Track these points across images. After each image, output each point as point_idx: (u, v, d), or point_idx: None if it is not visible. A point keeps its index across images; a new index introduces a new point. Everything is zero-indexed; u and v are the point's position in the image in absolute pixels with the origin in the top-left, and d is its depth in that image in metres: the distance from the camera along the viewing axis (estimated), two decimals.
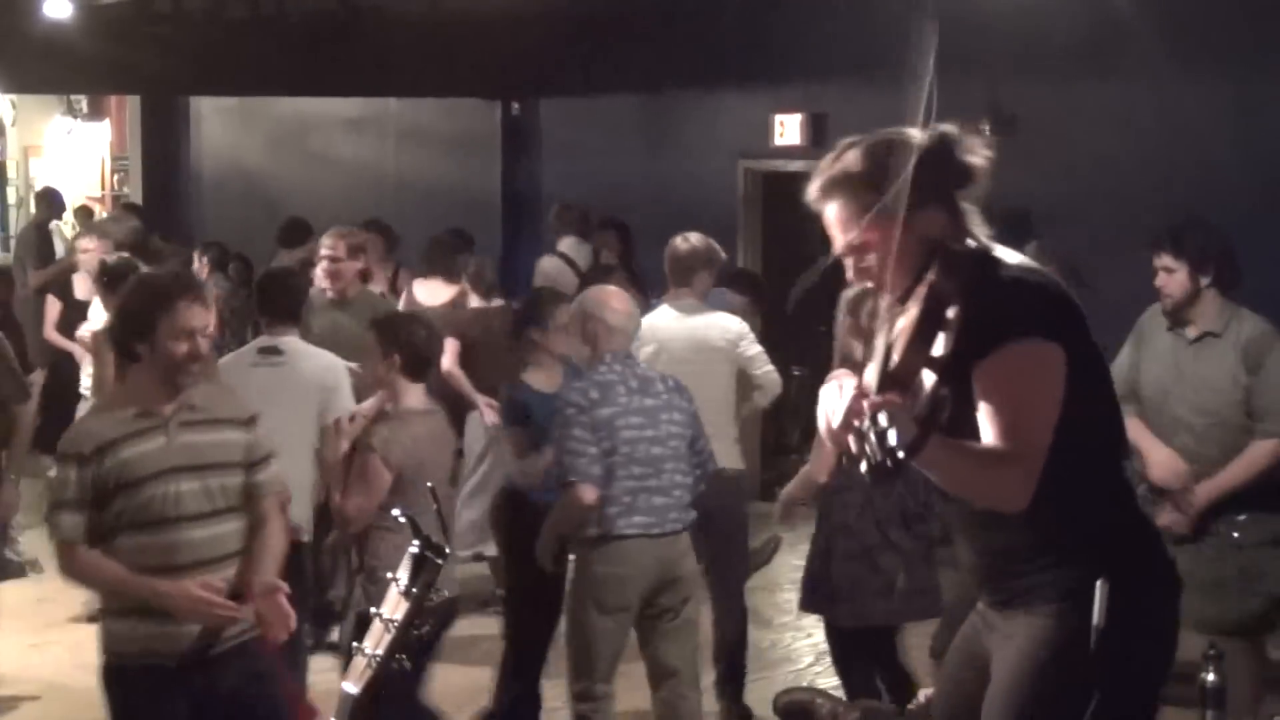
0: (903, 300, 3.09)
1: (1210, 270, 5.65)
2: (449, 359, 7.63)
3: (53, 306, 9.72)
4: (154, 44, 11.15)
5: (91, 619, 7.25)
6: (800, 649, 7.67)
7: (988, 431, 2.98)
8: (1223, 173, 8.15)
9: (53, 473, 6.74)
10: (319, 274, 7.65)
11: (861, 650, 6.28)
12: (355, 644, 2.70)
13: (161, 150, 15.67)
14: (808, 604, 6.01)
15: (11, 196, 18.17)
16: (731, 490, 6.39)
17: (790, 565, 9.10)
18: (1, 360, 6.21)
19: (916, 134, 3.14)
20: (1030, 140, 9.18)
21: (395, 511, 3.04)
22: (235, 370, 5.99)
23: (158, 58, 11.32)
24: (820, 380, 3.07)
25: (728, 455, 6.28)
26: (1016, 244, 3.29)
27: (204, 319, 4.25)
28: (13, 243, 15.60)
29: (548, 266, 10.38)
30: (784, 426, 10.57)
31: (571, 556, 5.52)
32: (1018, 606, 3.15)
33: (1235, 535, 5.65)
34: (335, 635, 6.26)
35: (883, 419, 2.71)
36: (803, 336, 9.83)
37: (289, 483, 4.75)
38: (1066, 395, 2.99)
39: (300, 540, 5.61)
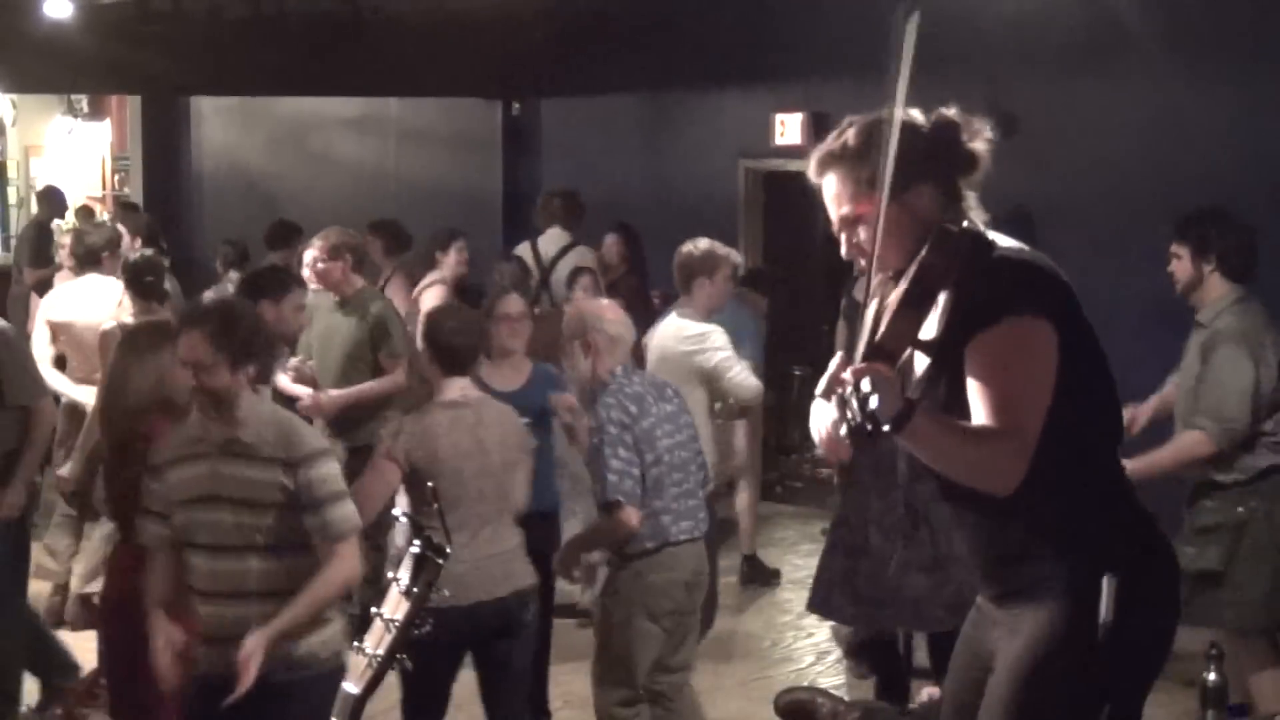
0: (896, 278, 3.07)
1: (1213, 258, 5.81)
2: None
3: (36, 303, 9.76)
4: (155, 44, 11.14)
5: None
6: (801, 649, 7.68)
7: (978, 410, 2.94)
8: (1223, 173, 8.15)
9: (63, 470, 6.75)
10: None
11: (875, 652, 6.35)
12: (356, 643, 2.71)
13: (162, 150, 15.65)
14: (819, 607, 6.04)
15: (12, 196, 18.15)
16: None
17: (791, 564, 9.11)
18: (14, 356, 6.13)
19: (919, 115, 3.16)
20: (1030, 140, 9.17)
21: (395, 510, 3.04)
22: None
23: (158, 58, 11.32)
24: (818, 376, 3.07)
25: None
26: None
27: (194, 353, 4.20)
28: (14, 242, 15.61)
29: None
30: (785, 426, 10.58)
31: (599, 568, 5.53)
32: (1020, 600, 3.13)
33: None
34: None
35: (865, 384, 2.69)
36: (804, 336, 9.84)
37: None
38: (1060, 378, 2.97)
39: None
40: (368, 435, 6.48)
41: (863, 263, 3.18)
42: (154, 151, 15.62)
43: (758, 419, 8.71)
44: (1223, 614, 5.88)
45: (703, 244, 6.72)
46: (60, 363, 7.91)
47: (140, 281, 7.31)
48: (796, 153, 10.52)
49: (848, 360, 2.88)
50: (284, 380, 7.15)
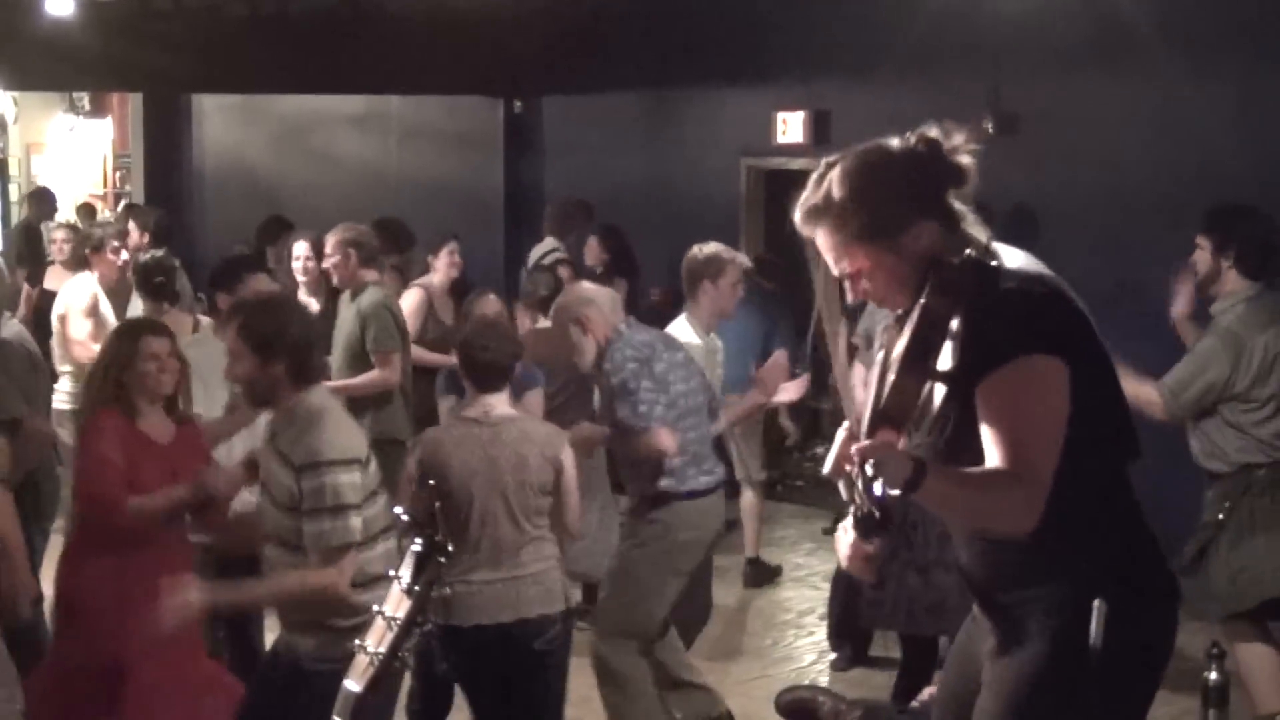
0: (900, 322, 3.02)
1: (1231, 255, 5.92)
2: None
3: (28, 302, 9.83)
4: (156, 41, 11.15)
5: None
6: (802, 647, 7.68)
7: (991, 452, 2.89)
8: (1227, 171, 8.15)
9: None
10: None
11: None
12: (358, 642, 2.71)
13: (164, 147, 15.65)
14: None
15: (14, 194, 18.16)
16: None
17: (792, 564, 9.11)
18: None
19: (896, 144, 3.06)
20: (1033, 139, 9.18)
21: (397, 509, 3.04)
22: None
23: (160, 55, 11.32)
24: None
25: None
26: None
27: (232, 342, 4.42)
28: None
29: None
30: (783, 426, 10.57)
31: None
32: (1015, 620, 3.09)
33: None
34: None
35: (869, 468, 2.64)
36: (802, 333, 9.84)
37: None
38: (1072, 410, 2.91)
39: None
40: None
41: (874, 304, 3.15)
42: (155, 149, 15.61)
43: (755, 421, 8.67)
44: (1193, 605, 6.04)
45: (709, 248, 6.60)
46: None
47: (150, 283, 7.31)
48: (798, 151, 10.56)
49: (852, 434, 2.84)
50: None
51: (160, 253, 7.58)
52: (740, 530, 8.67)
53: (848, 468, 2.71)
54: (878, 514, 2.65)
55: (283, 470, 4.32)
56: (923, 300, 2.89)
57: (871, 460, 2.67)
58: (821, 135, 10.29)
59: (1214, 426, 5.98)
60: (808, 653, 7.55)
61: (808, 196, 3.09)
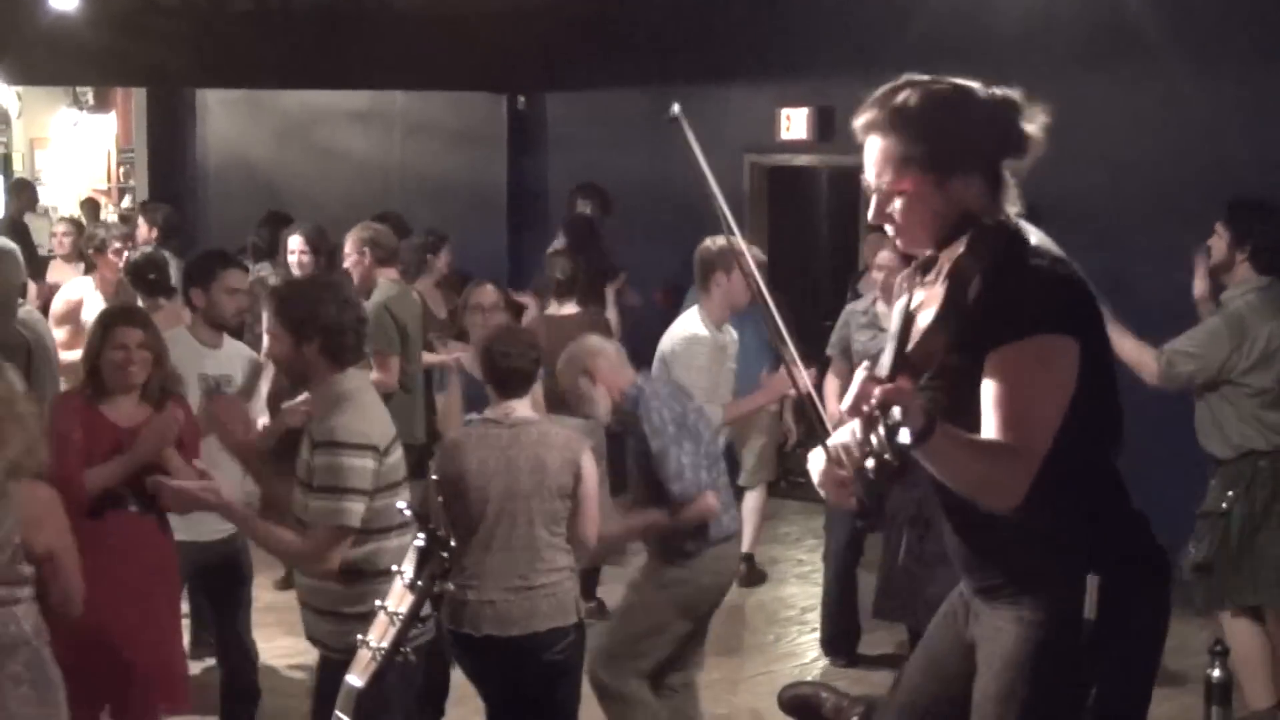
0: (924, 270, 3.02)
1: (1248, 249, 6.10)
2: None
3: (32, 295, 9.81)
4: (159, 36, 11.14)
5: None
6: (805, 643, 7.68)
7: (990, 420, 2.89)
8: (1232, 170, 8.15)
9: None
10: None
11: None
12: (360, 636, 2.71)
13: (167, 142, 15.65)
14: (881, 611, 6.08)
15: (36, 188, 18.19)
16: None
17: (794, 560, 9.12)
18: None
19: (981, 90, 3.04)
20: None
21: (400, 505, 3.05)
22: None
23: (163, 50, 11.32)
24: (821, 375, 3.05)
25: None
26: None
27: (270, 323, 4.67)
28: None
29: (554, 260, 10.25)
30: (785, 426, 10.56)
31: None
32: (1006, 597, 3.10)
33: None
34: None
35: (896, 412, 2.58)
36: (808, 331, 9.83)
37: None
38: (1075, 391, 2.92)
39: None
40: None
41: (888, 228, 3.10)
42: (159, 144, 15.62)
43: (765, 421, 8.66)
44: (1197, 598, 6.17)
45: (720, 240, 6.52)
46: None
47: (144, 279, 7.33)
48: (802, 147, 10.56)
49: (872, 376, 2.80)
50: None
51: (150, 249, 7.59)
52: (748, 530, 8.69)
53: (865, 408, 2.64)
54: (897, 461, 2.58)
55: (306, 447, 4.46)
56: (956, 257, 2.91)
57: (899, 406, 2.59)
58: (825, 132, 10.28)
59: (1217, 402, 6.10)
60: (810, 649, 7.56)
61: (880, 101, 3.04)
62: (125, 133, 17.31)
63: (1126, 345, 5.96)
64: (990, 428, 2.89)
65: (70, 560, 4.24)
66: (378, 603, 2.71)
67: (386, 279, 7.75)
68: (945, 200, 2.99)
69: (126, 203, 16.42)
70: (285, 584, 7.42)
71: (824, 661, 7.32)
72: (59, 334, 7.91)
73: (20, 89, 17.16)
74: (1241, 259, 6.10)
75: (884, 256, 6.71)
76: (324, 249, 8.31)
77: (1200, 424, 6.19)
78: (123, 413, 5.08)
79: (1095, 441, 3.07)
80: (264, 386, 6.41)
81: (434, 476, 5.06)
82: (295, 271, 8.23)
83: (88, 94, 17.80)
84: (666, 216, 10.68)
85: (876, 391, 2.65)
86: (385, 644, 2.67)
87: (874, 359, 2.92)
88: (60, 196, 17.78)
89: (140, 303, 7.34)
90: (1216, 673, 5.42)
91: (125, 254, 8.40)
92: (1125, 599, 3.02)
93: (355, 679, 2.69)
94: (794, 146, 10.60)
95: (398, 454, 4.55)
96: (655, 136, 12.57)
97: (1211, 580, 6.10)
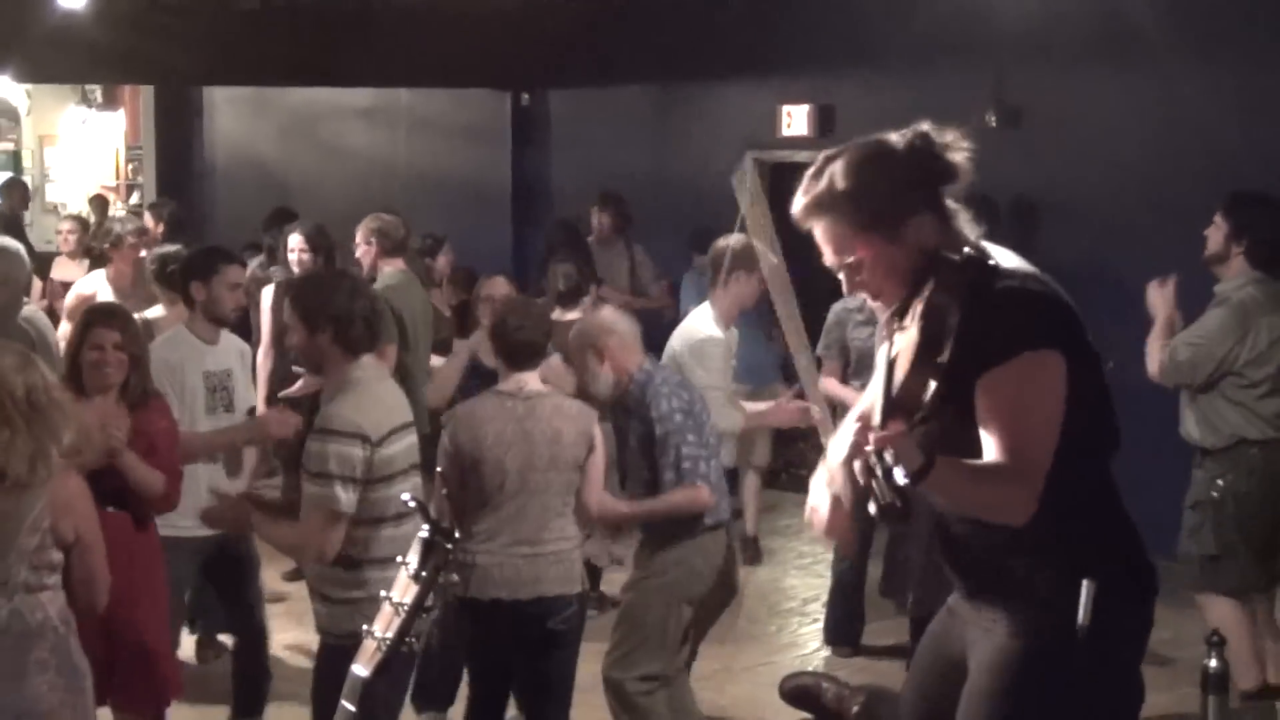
0: (900, 314, 3.05)
1: (1244, 243, 6.07)
2: None
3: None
4: (167, 35, 11.14)
5: None
6: (806, 635, 7.68)
7: (990, 445, 2.92)
8: (1229, 164, 8.13)
9: None
10: None
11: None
12: (366, 627, 2.71)
13: (175, 140, 15.67)
14: (886, 590, 6.06)
15: (28, 185, 18.19)
16: None
17: (796, 551, 9.12)
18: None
19: (895, 138, 3.09)
20: (1035, 132, 9.17)
21: (405, 496, 3.05)
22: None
23: (171, 48, 11.32)
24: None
25: None
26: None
27: (288, 312, 4.70)
28: (29, 231, 15.62)
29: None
30: None
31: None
32: (999, 604, 3.11)
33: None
34: None
35: (889, 456, 2.67)
36: (809, 325, 9.84)
37: None
38: (1066, 403, 2.94)
39: None
40: None
41: (865, 297, 3.14)
42: (167, 141, 15.64)
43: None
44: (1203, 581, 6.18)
45: (737, 238, 6.35)
46: None
47: (164, 273, 7.32)
48: (803, 144, 10.54)
49: (866, 424, 2.85)
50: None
51: (176, 247, 7.55)
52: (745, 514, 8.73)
53: (861, 459, 2.72)
54: (899, 503, 2.67)
55: (308, 438, 4.53)
56: (927, 296, 2.93)
57: (890, 450, 2.68)
58: (826, 128, 10.28)
59: (1215, 400, 6.07)
60: (811, 639, 7.56)
61: (808, 189, 3.11)
62: (133, 130, 17.32)
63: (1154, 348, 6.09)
64: (990, 451, 2.92)
65: (97, 549, 4.24)
66: (382, 593, 2.71)
67: (393, 269, 7.80)
68: (903, 250, 3.03)
69: (135, 199, 16.43)
70: (294, 575, 7.43)
71: (825, 651, 7.32)
72: (70, 328, 7.91)
73: (29, 87, 17.15)
74: (1238, 252, 6.08)
75: None
76: (323, 247, 8.31)
77: (1186, 415, 6.18)
78: (97, 412, 5.01)
79: (1090, 451, 3.08)
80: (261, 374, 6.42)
81: (447, 445, 5.06)
82: (295, 270, 8.23)
83: (96, 92, 17.80)
84: (667, 211, 10.69)
85: (870, 440, 2.72)
86: (390, 634, 2.67)
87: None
88: (69, 193, 17.79)
89: (161, 299, 7.34)
90: (1213, 663, 5.42)
91: (140, 249, 8.41)
92: (1118, 604, 3.03)
93: (361, 669, 2.70)
94: (795, 143, 10.59)
95: (399, 445, 4.55)
96: (658, 133, 12.67)
97: (1221, 564, 6.08)
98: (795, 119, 10.66)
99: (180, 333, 6.02)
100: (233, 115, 15.49)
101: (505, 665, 5.18)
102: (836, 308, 6.96)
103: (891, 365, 2.96)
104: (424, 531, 2.71)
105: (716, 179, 11.79)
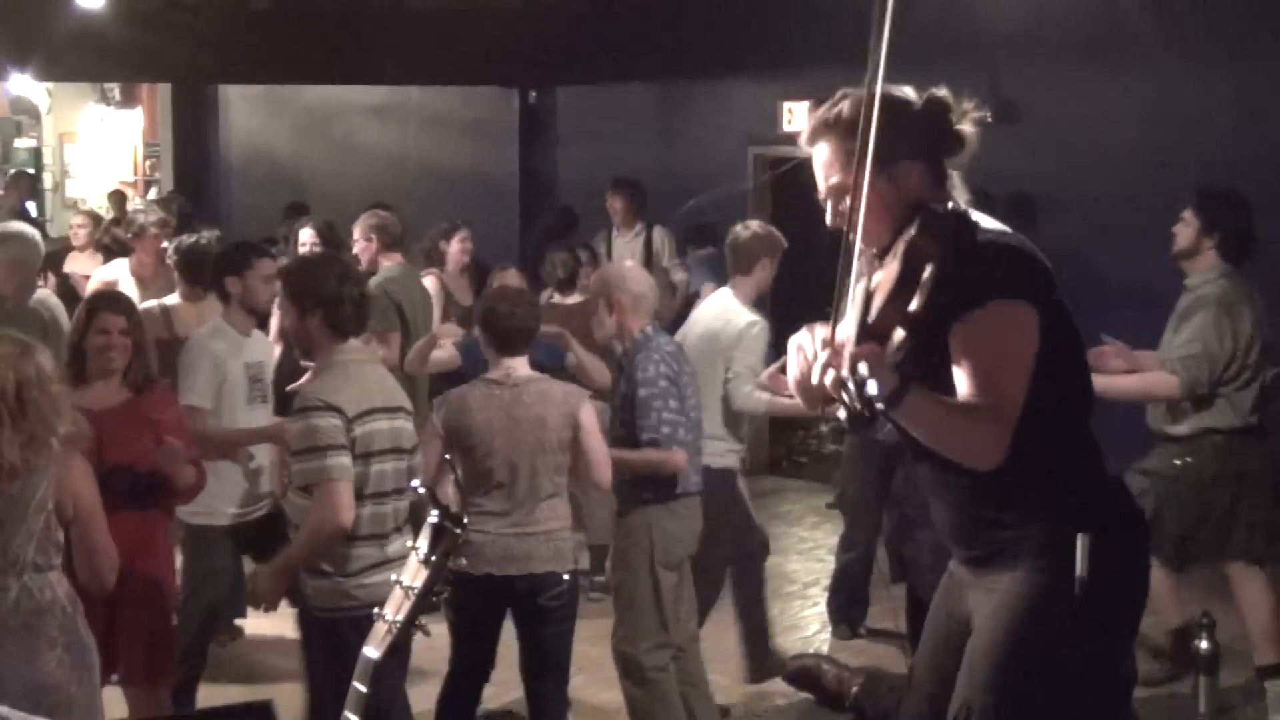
0: (882, 256, 3.07)
1: (1216, 237, 6.07)
2: None
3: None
4: (183, 34, 11.14)
5: None
6: (808, 617, 7.68)
7: (963, 387, 2.95)
8: (1220, 158, 8.13)
9: None
10: None
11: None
12: (377, 610, 2.71)
13: (191, 136, 15.66)
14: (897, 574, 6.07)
15: (48, 181, 18.21)
16: (710, 486, 6.31)
17: (797, 537, 9.12)
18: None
19: (912, 93, 3.14)
20: (1030, 127, 9.15)
21: (414, 482, 3.05)
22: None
23: (187, 47, 11.32)
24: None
25: (710, 452, 6.17)
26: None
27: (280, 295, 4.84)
28: (49, 226, 15.64)
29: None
30: None
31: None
32: (997, 563, 3.12)
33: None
34: None
35: (863, 368, 2.70)
36: (810, 315, 9.84)
37: None
38: (1040, 356, 2.97)
39: None
40: None
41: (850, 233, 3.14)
42: (184, 138, 15.63)
43: None
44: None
45: (756, 225, 6.48)
46: None
47: (185, 265, 7.34)
48: None
49: (833, 335, 2.88)
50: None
51: (198, 237, 7.54)
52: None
53: (834, 370, 2.77)
54: (869, 411, 2.72)
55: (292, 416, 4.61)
56: (910, 235, 2.96)
57: (865, 363, 2.73)
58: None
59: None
60: (813, 622, 7.55)
61: (820, 112, 3.21)
62: (151, 127, 17.33)
63: (1130, 381, 5.94)
64: (963, 394, 2.95)
65: (96, 524, 4.25)
66: (393, 577, 2.71)
67: (392, 262, 7.89)
68: (891, 188, 3.05)
69: (153, 194, 16.44)
70: None
71: (826, 634, 7.32)
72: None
73: (50, 85, 17.17)
74: (1209, 246, 6.08)
75: None
76: (333, 241, 8.34)
77: (1163, 413, 6.15)
78: (98, 397, 5.04)
79: (1071, 408, 3.11)
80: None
81: (438, 430, 5.13)
82: None
83: (114, 90, 17.82)
84: (671, 205, 10.68)
85: (846, 353, 2.76)
86: (400, 617, 2.67)
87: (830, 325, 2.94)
88: (88, 189, 17.81)
89: (179, 290, 7.34)
90: (1204, 644, 5.42)
91: (162, 239, 8.41)
92: (1114, 556, 3.05)
93: (372, 651, 2.70)
94: (796, 138, 10.55)
95: (377, 425, 4.58)
96: (661, 129, 12.65)
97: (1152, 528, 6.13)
98: (796, 115, 10.64)
99: (220, 324, 6.07)
100: (248, 113, 15.49)
101: (489, 639, 5.23)
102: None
103: (869, 297, 2.98)
104: (433, 517, 2.71)
105: (720, 173, 11.91)
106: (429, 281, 8.34)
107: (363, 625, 4.37)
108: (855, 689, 6.04)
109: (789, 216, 11.61)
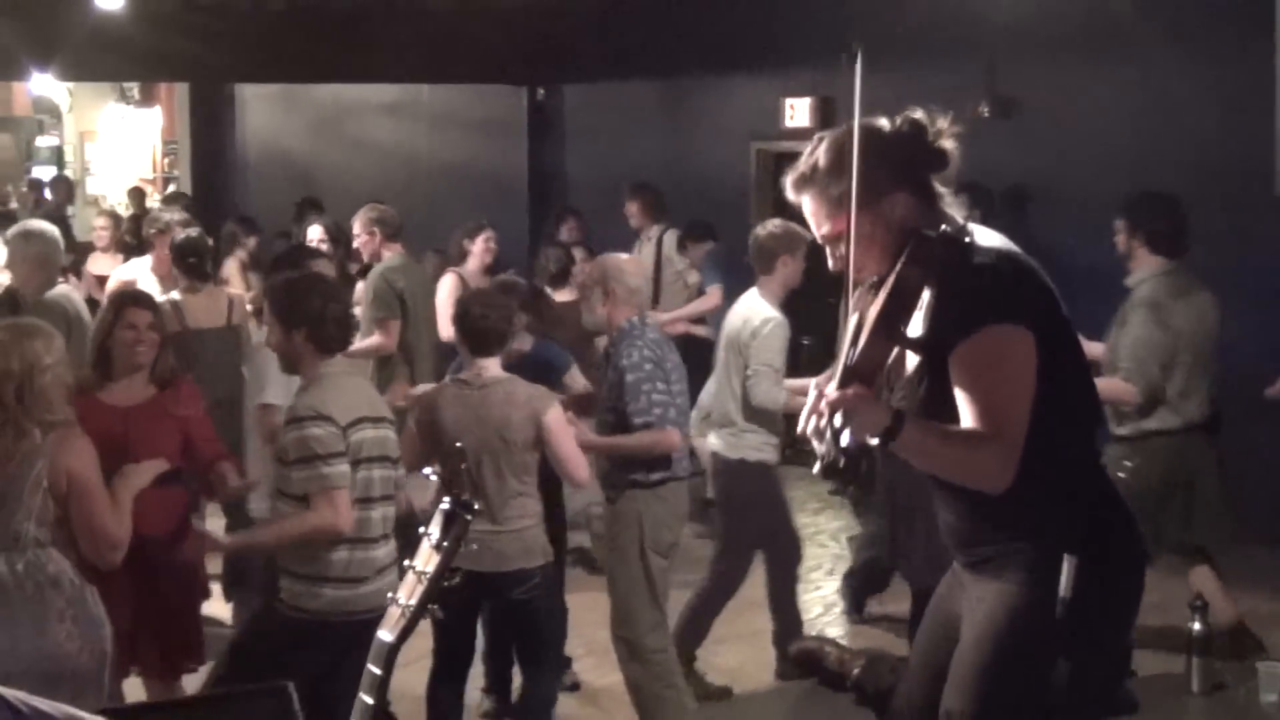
0: (876, 288, 3.03)
1: (1141, 236, 6.21)
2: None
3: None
4: (200, 34, 11.16)
5: None
6: (810, 601, 7.67)
7: (966, 415, 2.90)
8: (1208, 152, 8.12)
9: None
10: None
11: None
12: (391, 594, 2.72)
13: (209, 135, 15.68)
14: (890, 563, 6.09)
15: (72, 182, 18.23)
16: (744, 477, 6.28)
17: (800, 523, 9.10)
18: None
19: (885, 123, 3.08)
20: (1027, 122, 9.14)
21: (426, 470, 3.06)
22: None
23: (205, 47, 11.34)
24: (828, 351, 3.05)
25: (732, 446, 6.21)
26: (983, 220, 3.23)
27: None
28: (72, 222, 15.66)
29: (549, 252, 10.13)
30: None
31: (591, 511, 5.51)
32: (988, 572, 3.09)
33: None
34: None
35: (838, 418, 2.69)
36: (812, 307, 9.84)
37: None
38: (1039, 375, 2.91)
39: None
40: None
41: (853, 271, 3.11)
42: (201, 136, 15.65)
43: None
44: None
45: (777, 223, 6.43)
46: None
47: (184, 262, 7.35)
48: (805, 135, 10.50)
49: (821, 382, 2.87)
50: None
51: (194, 233, 7.55)
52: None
53: (815, 419, 2.77)
54: (842, 461, 2.72)
55: (283, 426, 4.61)
56: (898, 268, 2.91)
57: (841, 410, 2.72)
58: (827, 120, 10.25)
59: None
60: (815, 606, 7.55)
61: (799, 165, 3.15)
62: (169, 125, 17.35)
63: (1099, 386, 5.97)
64: (966, 421, 2.91)
65: (90, 500, 4.25)
66: (406, 562, 2.72)
67: (393, 253, 7.93)
68: (878, 223, 3.01)
69: (171, 189, 16.46)
70: None
71: (829, 618, 7.33)
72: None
73: (70, 85, 17.18)
74: (1139, 247, 6.20)
75: None
76: (342, 239, 8.36)
77: (1110, 414, 6.15)
78: (125, 394, 5.05)
79: (1072, 424, 3.05)
80: None
81: (411, 429, 5.22)
82: None
83: (134, 89, 17.83)
84: (676, 201, 10.67)
85: (824, 402, 2.76)
86: (414, 601, 2.67)
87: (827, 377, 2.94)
88: (108, 186, 17.83)
89: (180, 285, 7.36)
90: (1197, 626, 5.43)
91: None
92: (1099, 581, 3.00)
93: (386, 634, 2.70)
94: (797, 134, 10.56)
95: (366, 434, 4.60)
96: (666, 125, 12.63)
97: None
98: (798, 111, 10.65)
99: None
100: (263, 111, 15.50)
101: (467, 632, 5.31)
102: None
103: (857, 333, 2.95)
104: (445, 504, 2.72)
105: (724, 168, 11.89)
106: (448, 279, 8.35)
107: (330, 630, 4.50)
108: (857, 670, 6.03)
109: (790, 208, 11.64)
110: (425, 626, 3.12)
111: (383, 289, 7.53)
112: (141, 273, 8.28)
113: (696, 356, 9.39)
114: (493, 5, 11.69)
